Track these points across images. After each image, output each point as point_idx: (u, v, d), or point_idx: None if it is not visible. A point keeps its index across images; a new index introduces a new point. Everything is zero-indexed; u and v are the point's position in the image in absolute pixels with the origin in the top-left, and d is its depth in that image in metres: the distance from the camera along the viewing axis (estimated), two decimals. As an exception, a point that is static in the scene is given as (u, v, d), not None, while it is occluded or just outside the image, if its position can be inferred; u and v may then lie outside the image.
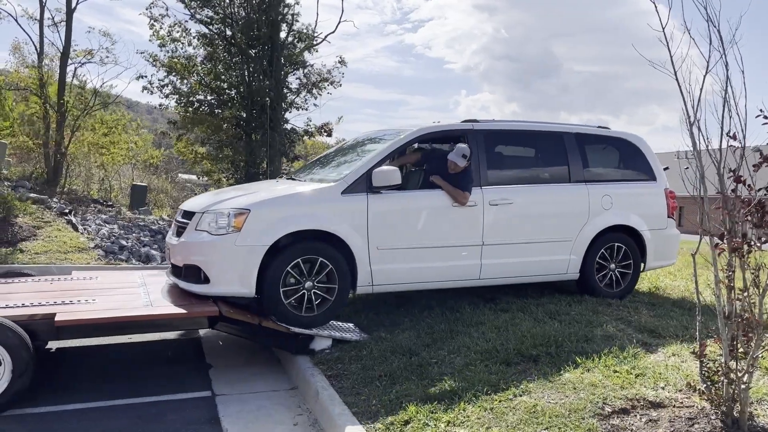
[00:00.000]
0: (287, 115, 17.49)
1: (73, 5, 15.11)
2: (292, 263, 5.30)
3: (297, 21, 16.73)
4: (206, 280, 5.28)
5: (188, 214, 5.67)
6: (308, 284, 5.38)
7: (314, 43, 16.94)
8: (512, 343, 4.89)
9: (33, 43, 15.87)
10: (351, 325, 5.85)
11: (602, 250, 6.66)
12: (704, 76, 3.38)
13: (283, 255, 5.30)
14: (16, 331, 4.34)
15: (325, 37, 17.07)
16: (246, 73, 16.36)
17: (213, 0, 15.78)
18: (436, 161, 6.27)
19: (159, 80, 16.26)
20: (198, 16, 15.92)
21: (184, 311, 5.03)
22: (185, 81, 16.32)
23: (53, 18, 15.68)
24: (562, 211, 6.52)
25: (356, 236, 5.55)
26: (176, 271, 5.66)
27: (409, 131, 6.22)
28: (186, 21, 16.18)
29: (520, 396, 3.97)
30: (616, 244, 6.73)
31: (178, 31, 16.22)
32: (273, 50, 15.74)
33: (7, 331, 4.31)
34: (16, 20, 15.92)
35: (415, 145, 6.73)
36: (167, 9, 16.04)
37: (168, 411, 4.50)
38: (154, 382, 5.07)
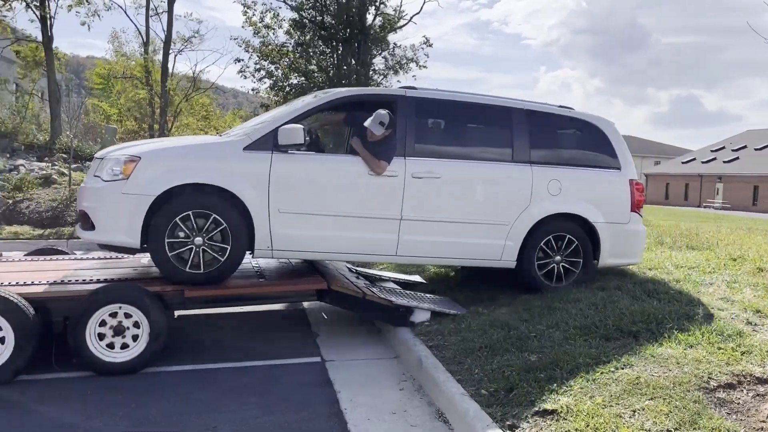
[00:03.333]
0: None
1: (175, -4, 15.99)
2: (181, 216, 5.06)
3: (384, 3, 16.97)
4: (92, 227, 5.23)
5: (96, 161, 5.57)
6: (198, 240, 5.10)
7: (400, 24, 17.11)
8: (611, 320, 4.96)
9: (140, 33, 16.97)
10: (449, 300, 6.08)
11: (549, 240, 6.09)
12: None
13: (171, 207, 5.07)
14: (153, 298, 4.86)
15: (411, 17, 17.26)
16: (335, 56, 16.79)
17: (304, -14, 16.26)
18: (361, 127, 5.76)
19: (254, 64, 16.96)
20: (290, 3, 16.43)
21: (296, 285, 5.42)
22: (277, 66, 16.94)
23: (156, 9, 16.62)
24: (498, 191, 5.98)
25: (255, 195, 5.25)
26: (77, 217, 5.59)
27: (336, 93, 5.93)
28: (279, 8, 16.80)
29: (622, 369, 4.06)
30: (564, 234, 6.11)
31: (270, 17, 16.82)
32: (361, 33, 16.05)
33: (144, 297, 4.83)
34: (125, 11, 17.12)
35: (343, 110, 6.24)
36: (261, -3, 16.69)
37: (284, 373, 4.91)
38: (268, 348, 5.51)
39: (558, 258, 6.15)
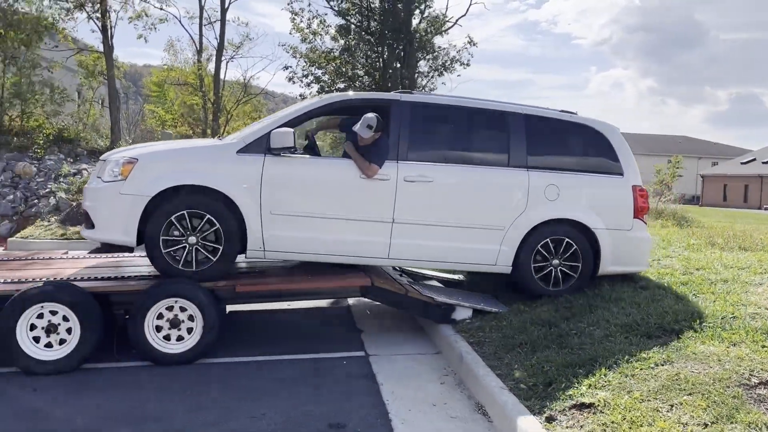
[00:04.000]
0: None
1: (226, 5, 16.54)
2: (176, 215, 5.20)
3: (429, 7, 17.12)
4: (92, 226, 5.43)
5: (100, 163, 5.77)
6: (192, 239, 5.24)
7: (445, 27, 17.22)
8: (653, 318, 4.95)
9: (194, 41, 17.55)
10: (491, 298, 6.16)
11: (547, 244, 5.96)
12: None
13: (166, 207, 5.22)
14: (207, 293, 5.13)
15: (457, 20, 17.38)
16: (380, 60, 17.02)
17: (350, -8, 16.57)
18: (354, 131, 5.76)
19: (302, 70, 17.36)
20: (336, 8, 16.76)
21: (341, 281, 5.61)
22: (324, 71, 17.29)
23: (209, 18, 17.23)
24: (493, 196, 5.89)
25: (247, 197, 5.35)
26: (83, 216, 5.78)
27: (330, 97, 6.01)
28: (325, 14, 17.15)
29: (662, 365, 4.08)
30: (562, 239, 5.98)
31: (317, 23, 17.19)
32: (407, 37, 16.23)
33: (198, 292, 5.11)
34: (179, 21, 17.70)
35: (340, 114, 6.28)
36: (309, 4, 17.10)
37: (330, 366, 5.10)
38: (314, 342, 5.72)
39: (556, 261, 6.00)
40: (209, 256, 5.30)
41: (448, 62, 17.53)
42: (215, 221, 5.27)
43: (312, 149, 6.07)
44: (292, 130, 5.39)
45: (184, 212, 5.24)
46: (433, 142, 5.95)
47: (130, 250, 5.62)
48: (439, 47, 17.72)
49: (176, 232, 5.25)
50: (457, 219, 5.77)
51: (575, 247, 5.99)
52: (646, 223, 6.35)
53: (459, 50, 17.67)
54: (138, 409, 4.19)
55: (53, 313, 4.86)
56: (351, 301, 7.13)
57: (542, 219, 5.90)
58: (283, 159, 5.44)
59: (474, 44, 17.63)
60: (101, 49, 17.21)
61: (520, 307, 5.77)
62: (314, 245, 5.56)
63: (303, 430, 3.89)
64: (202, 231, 5.28)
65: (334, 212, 5.56)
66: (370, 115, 5.54)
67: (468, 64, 17.61)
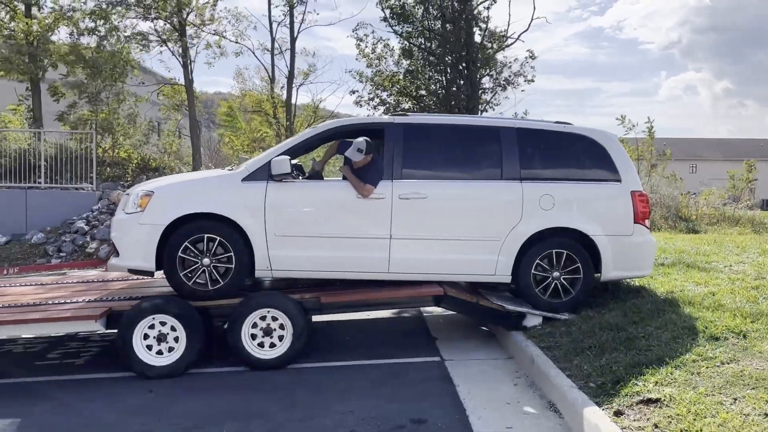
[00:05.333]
0: (482, 114, 18.30)
1: (295, 35, 17.48)
2: (189, 240, 5.65)
3: (489, 24, 17.46)
4: (118, 254, 5.92)
5: (125, 197, 6.25)
6: (205, 261, 5.68)
7: (507, 44, 17.50)
8: (721, 320, 5.10)
9: (266, 70, 18.55)
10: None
11: (546, 254, 6.07)
12: None
13: (180, 233, 5.68)
14: (295, 303, 5.65)
15: (518, 36, 17.59)
16: (443, 79, 17.47)
17: (412, 16, 17.12)
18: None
19: (368, 93, 18.04)
20: (399, 32, 17.36)
21: (416, 291, 6.01)
22: (389, 93, 17.89)
23: (280, 47, 18.21)
24: (486, 208, 6.06)
25: (252, 222, 5.74)
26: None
27: (327, 125, 6.39)
28: (388, 39, 17.78)
29: (727, 363, 4.26)
30: (559, 250, 6.07)
31: (381, 48, 17.85)
32: (468, 55, 16.62)
33: (288, 302, 5.64)
34: (253, 52, 18.82)
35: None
36: (373, 31, 17.78)
37: (408, 370, 5.50)
38: (393, 349, 6.14)
39: (556, 274, 6.11)
40: (220, 276, 5.75)
41: (512, 77, 17.75)
42: (226, 244, 5.72)
43: (317, 176, 6.51)
44: (288, 157, 5.78)
45: (197, 237, 5.71)
46: (426, 160, 6.17)
47: (151, 275, 6.12)
48: (502, 63, 17.96)
49: (191, 256, 5.71)
50: (452, 232, 5.99)
51: (573, 255, 6.09)
52: (648, 227, 6.40)
53: (522, 65, 17.87)
54: (240, 408, 4.72)
55: (163, 323, 5.49)
56: (425, 310, 7.52)
57: (538, 228, 6.04)
58: (285, 184, 5.85)
59: (533, 57, 17.81)
60: (182, 82, 18.50)
61: (589, 313, 5.99)
62: (318, 263, 5.91)
63: (388, 425, 4.29)
64: (215, 254, 5.74)
65: (335, 231, 5.89)
66: (360, 139, 5.89)
67: (532, 80, 17.78)
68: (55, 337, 6.94)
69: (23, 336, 6.85)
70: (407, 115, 6.48)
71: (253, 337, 5.60)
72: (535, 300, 6.11)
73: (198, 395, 5.02)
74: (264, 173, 5.85)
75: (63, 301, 5.92)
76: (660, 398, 3.91)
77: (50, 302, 5.92)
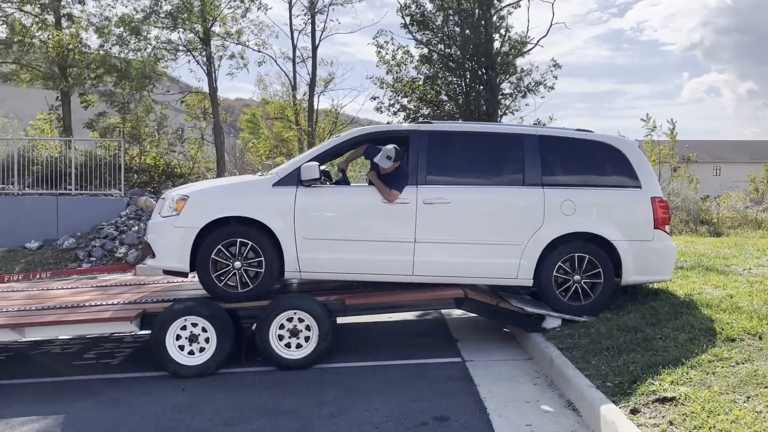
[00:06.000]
0: (502, 119, 18.41)
1: (317, 43, 17.80)
2: (222, 243, 5.92)
3: (509, 31, 17.60)
4: (154, 255, 6.23)
5: (161, 201, 6.52)
6: (237, 264, 5.93)
7: (527, 49, 17.61)
8: (738, 322, 5.20)
9: (288, 79, 18.94)
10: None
11: (568, 258, 6.21)
12: None
13: (214, 236, 5.95)
14: (321, 305, 5.86)
15: (538, 41, 17.72)
16: (463, 84, 17.62)
17: (431, 23, 17.33)
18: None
19: (388, 99, 18.27)
20: (419, 39, 17.57)
21: (437, 293, 6.18)
22: (409, 99, 18.10)
23: (302, 56, 18.54)
24: (509, 213, 6.24)
25: (282, 225, 5.98)
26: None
27: (353, 132, 6.63)
28: (405, 46, 17.98)
29: (742, 363, 4.37)
30: (579, 254, 6.20)
31: (401, 55, 18.07)
32: (488, 61, 16.76)
33: (314, 304, 5.85)
34: (275, 61, 19.18)
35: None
36: (392, 38, 18.03)
37: (430, 370, 5.68)
38: (415, 350, 6.32)
39: (577, 277, 6.23)
40: (250, 278, 5.99)
41: (532, 84, 17.85)
42: (257, 247, 5.97)
43: (344, 181, 6.77)
44: (317, 164, 6.01)
45: (229, 241, 5.97)
46: (450, 166, 6.36)
47: (185, 275, 6.39)
48: (522, 69, 18.07)
49: (223, 258, 5.96)
50: (475, 236, 6.17)
51: (594, 260, 6.21)
52: (668, 233, 6.51)
53: (543, 74, 17.94)
54: (270, 405, 4.93)
55: (194, 325, 5.73)
56: (446, 312, 7.69)
57: (559, 233, 6.18)
58: (313, 189, 6.07)
59: (558, 66, 17.86)
60: (206, 89, 18.94)
61: (608, 315, 6.11)
62: (345, 265, 6.14)
63: (412, 422, 4.47)
64: (246, 257, 5.99)
65: (361, 235, 6.12)
66: (390, 147, 6.08)
67: (552, 87, 17.84)
68: (90, 339, 7.24)
69: (60, 337, 7.16)
70: (432, 123, 6.72)
71: (281, 338, 5.82)
72: (556, 303, 6.24)
73: (229, 393, 5.24)
74: (294, 179, 6.08)
75: (99, 303, 6.21)
76: (675, 397, 4.04)
77: (87, 304, 6.20)
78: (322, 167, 6.42)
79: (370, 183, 6.30)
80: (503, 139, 6.54)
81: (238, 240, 5.96)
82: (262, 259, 5.97)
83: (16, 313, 5.98)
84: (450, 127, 6.75)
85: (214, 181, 7.62)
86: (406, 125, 6.93)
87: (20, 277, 11.97)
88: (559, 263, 6.22)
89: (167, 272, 6.43)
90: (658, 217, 6.34)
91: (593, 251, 6.25)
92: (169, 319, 5.70)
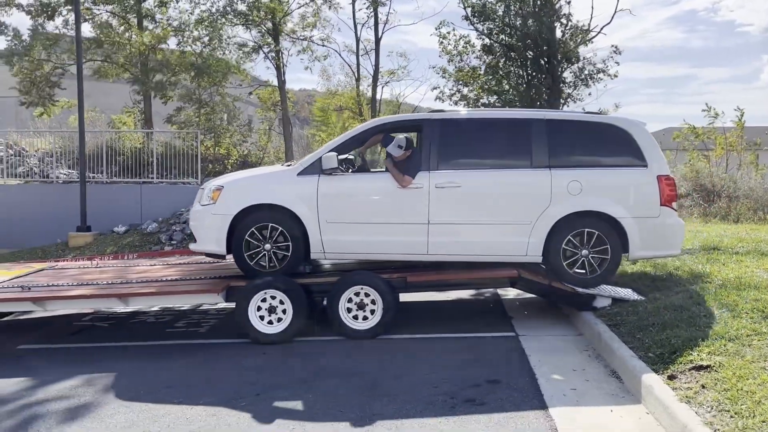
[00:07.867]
0: (564, 108, 18.44)
1: (380, 35, 18.36)
2: (254, 227, 6.51)
3: (571, 20, 17.60)
4: (195, 240, 6.90)
5: (200, 191, 7.12)
6: (267, 246, 6.53)
7: (589, 37, 17.57)
8: (782, 302, 5.44)
9: (352, 71, 19.58)
10: (629, 290, 6.85)
11: (577, 233, 6.51)
12: None
13: (246, 221, 6.53)
14: (384, 282, 6.45)
15: (601, 29, 17.61)
16: (524, 74, 17.78)
17: (492, 13, 17.55)
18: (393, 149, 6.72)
19: (449, 89, 18.65)
20: (480, 29, 17.84)
21: (493, 272, 6.66)
22: (470, 88, 18.41)
23: (365, 48, 19.16)
24: (517, 194, 6.56)
25: (307, 211, 6.50)
26: None
27: (370, 123, 7.15)
28: (467, 36, 18.28)
29: (778, 337, 4.66)
30: (587, 230, 6.51)
31: (463, 45, 18.39)
32: (549, 50, 16.86)
33: (379, 280, 6.44)
34: (339, 54, 19.91)
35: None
36: (454, 29, 18.38)
37: (485, 342, 6.18)
38: (472, 325, 6.82)
39: (585, 252, 6.55)
40: (278, 261, 6.59)
41: (594, 72, 17.79)
42: (284, 231, 6.55)
43: (363, 167, 7.35)
44: (335, 154, 6.49)
45: (261, 225, 6.57)
46: (460, 152, 6.75)
47: (223, 257, 6.99)
48: (585, 58, 18.02)
49: (255, 241, 6.58)
50: (484, 217, 6.55)
51: (602, 236, 6.52)
52: (675, 210, 6.75)
53: (604, 60, 17.83)
54: (341, 367, 5.55)
55: (273, 297, 6.41)
56: (501, 292, 8.15)
57: (566, 212, 6.49)
58: (334, 177, 6.57)
59: (618, 52, 17.73)
60: (275, 83, 19.86)
61: (656, 295, 6.43)
62: (365, 246, 6.67)
63: (467, 383, 4.99)
64: (276, 240, 6.59)
65: (379, 218, 6.61)
66: (400, 136, 6.61)
67: (615, 75, 17.72)
68: (178, 311, 8.10)
69: (154, 308, 8.06)
70: (443, 111, 7.18)
71: (349, 310, 6.44)
72: (564, 275, 6.60)
73: (304, 357, 5.90)
74: (316, 168, 6.61)
75: (189, 278, 7.01)
76: (710, 365, 4.39)
77: (179, 278, 7.01)
78: (347, 156, 7.00)
79: (387, 170, 6.78)
80: (512, 125, 6.88)
81: (270, 225, 6.57)
82: (290, 241, 6.57)
83: (120, 285, 6.85)
84: (460, 114, 7.30)
85: (247, 171, 8.38)
86: (418, 114, 7.46)
87: (110, 258, 13.15)
88: (569, 237, 6.54)
89: (207, 255, 7.19)
90: (665, 195, 6.58)
91: (600, 227, 6.55)
92: (252, 292, 6.40)
